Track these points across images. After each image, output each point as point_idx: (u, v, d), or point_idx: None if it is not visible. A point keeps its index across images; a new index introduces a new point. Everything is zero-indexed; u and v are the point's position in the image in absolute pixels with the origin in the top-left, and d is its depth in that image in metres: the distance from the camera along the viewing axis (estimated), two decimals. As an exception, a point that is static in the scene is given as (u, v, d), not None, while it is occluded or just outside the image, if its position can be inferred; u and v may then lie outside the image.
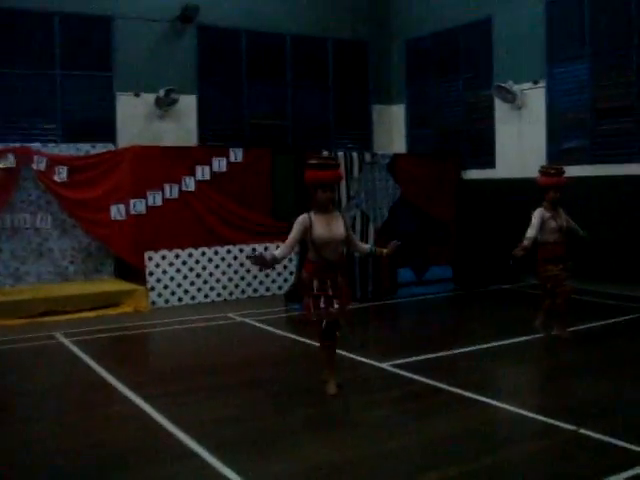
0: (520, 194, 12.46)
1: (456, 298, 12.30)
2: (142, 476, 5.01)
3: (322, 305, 6.51)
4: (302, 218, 6.49)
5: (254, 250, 6.24)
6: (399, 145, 16.96)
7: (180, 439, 5.59)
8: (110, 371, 7.70)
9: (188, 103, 14.65)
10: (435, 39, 16.02)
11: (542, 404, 6.70)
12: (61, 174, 11.90)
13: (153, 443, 5.61)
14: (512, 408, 6.24)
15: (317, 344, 6.96)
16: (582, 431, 5.58)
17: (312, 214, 6.51)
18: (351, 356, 7.84)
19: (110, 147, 12.91)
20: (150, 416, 6.20)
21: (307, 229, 6.42)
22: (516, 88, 13.89)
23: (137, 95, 14.16)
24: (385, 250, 6.93)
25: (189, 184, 12.04)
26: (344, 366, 7.23)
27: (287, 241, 6.49)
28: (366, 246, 7.22)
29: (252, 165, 12.59)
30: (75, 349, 8.84)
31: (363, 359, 7.93)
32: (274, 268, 6.42)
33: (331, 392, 6.65)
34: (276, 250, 6.56)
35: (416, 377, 7.25)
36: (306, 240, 6.56)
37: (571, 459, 5.20)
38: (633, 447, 5.23)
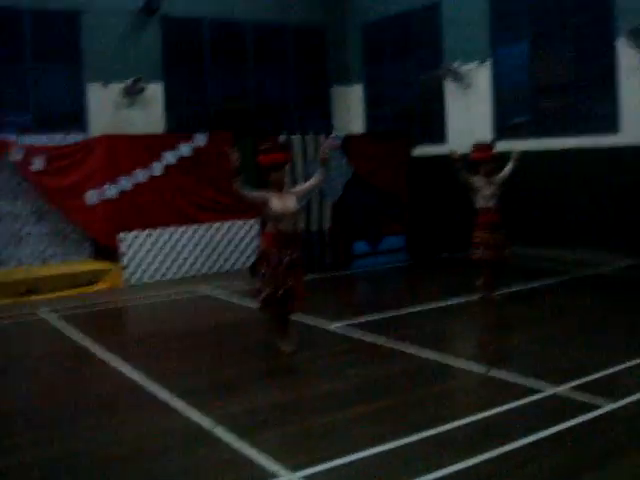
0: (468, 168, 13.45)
1: (408, 267, 13.32)
2: (118, 420, 5.99)
3: (279, 275, 7.45)
4: (263, 191, 7.47)
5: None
6: (358, 125, 17.86)
7: (152, 390, 6.60)
8: (91, 339, 8.65)
9: (155, 91, 15.48)
10: (388, 23, 16.90)
11: (462, 352, 7.81)
12: (38, 163, 12.69)
13: (129, 393, 6.66)
14: (437, 356, 7.28)
15: (268, 313, 7.85)
16: (491, 373, 6.62)
17: (269, 192, 7.46)
18: (301, 320, 8.75)
19: (82, 136, 13.72)
20: (126, 373, 7.20)
21: (265, 201, 7.36)
22: (464, 68, 14.84)
23: (105, 85, 14.94)
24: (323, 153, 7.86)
25: (157, 169, 12.91)
26: (295, 328, 8.14)
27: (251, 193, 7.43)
28: (316, 176, 7.94)
29: (215, 148, 13.42)
30: (59, 323, 9.76)
31: (313, 322, 8.89)
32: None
33: (288, 350, 7.59)
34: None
35: (359, 335, 8.28)
36: (264, 214, 7.51)
37: (475, 394, 6.29)
38: (529, 383, 6.27)
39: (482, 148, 9.79)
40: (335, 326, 8.74)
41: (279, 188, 7.50)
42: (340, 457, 4.89)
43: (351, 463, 4.83)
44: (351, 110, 18.19)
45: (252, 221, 13.26)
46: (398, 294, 11.54)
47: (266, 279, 7.51)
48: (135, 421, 5.95)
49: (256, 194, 7.49)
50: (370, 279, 12.67)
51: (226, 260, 13.33)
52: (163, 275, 12.78)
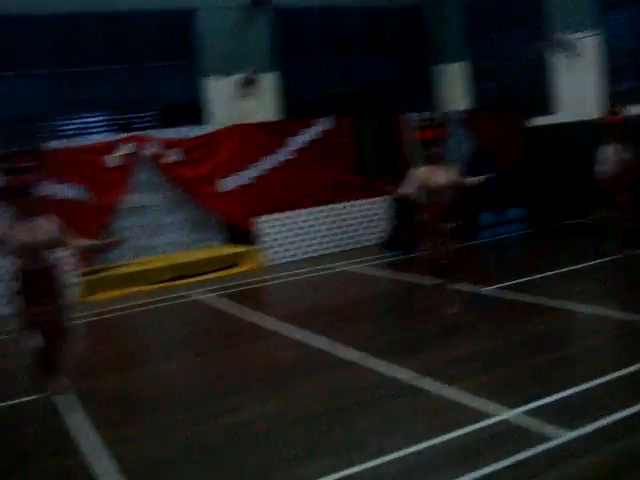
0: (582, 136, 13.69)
1: (533, 234, 13.63)
2: (315, 380, 6.53)
3: (438, 243, 7.91)
4: (416, 171, 7.91)
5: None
6: (460, 101, 18.07)
7: (338, 353, 7.16)
8: (255, 313, 9.26)
9: (268, 81, 16.05)
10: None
11: (616, 305, 8.10)
12: (173, 155, 13.37)
13: (318, 357, 7.23)
14: (592, 310, 7.73)
15: (428, 279, 8.35)
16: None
17: (422, 167, 7.91)
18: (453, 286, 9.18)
19: (206, 128, 14.35)
20: (306, 340, 7.79)
21: (419, 179, 7.82)
22: (572, 37, 14.96)
23: (222, 78, 15.57)
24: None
25: (287, 153, 13.57)
26: (454, 292, 8.58)
27: (407, 185, 7.92)
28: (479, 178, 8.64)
29: (338, 132, 13.99)
30: (216, 301, 10.43)
31: (464, 287, 9.26)
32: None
33: (453, 311, 8.06)
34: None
35: (511, 296, 8.75)
36: (420, 189, 7.92)
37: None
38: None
39: (614, 112, 10.04)
40: (486, 289, 9.14)
41: (436, 162, 7.93)
42: (547, 396, 5.35)
43: (561, 399, 5.29)
44: (453, 87, 18.43)
45: (379, 199, 13.77)
46: (533, 259, 11.84)
47: (429, 249, 7.97)
48: (333, 380, 6.46)
49: (412, 181, 7.93)
50: (501, 247, 13.04)
51: (358, 237, 13.91)
52: (299, 254, 13.40)
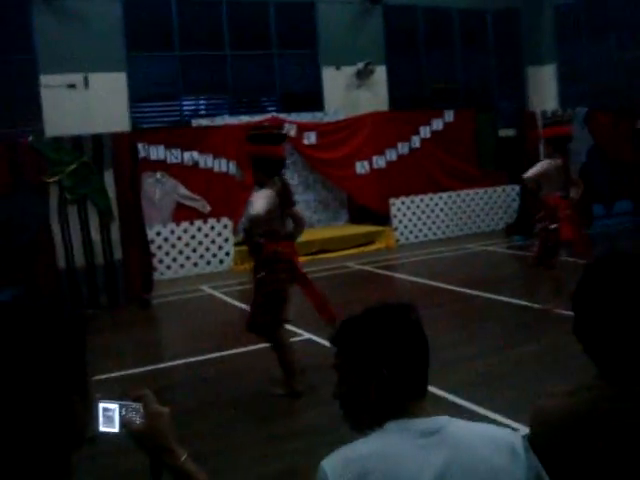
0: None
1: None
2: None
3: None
4: (541, 165, 8.30)
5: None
6: (551, 102, 19.05)
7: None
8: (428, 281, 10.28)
9: (379, 73, 17.03)
10: (584, 3, 18.02)
11: None
12: (310, 138, 14.38)
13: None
14: None
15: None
16: None
17: (549, 162, 8.22)
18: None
19: (338, 114, 15.33)
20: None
21: (545, 170, 8.18)
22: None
23: (338, 68, 16.56)
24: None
25: (416, 142, 14.62)
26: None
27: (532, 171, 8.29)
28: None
29: (460, 123, 15.04)
30: (377, 271, 11.45)
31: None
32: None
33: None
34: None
35: None
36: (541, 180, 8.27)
37: None
38: None
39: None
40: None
41: (560, 156, 8.12)
42: None
43: None
44: (544, 88, 19.40)
45: (499, 188, 14.86)
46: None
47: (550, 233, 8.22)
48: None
49: (540, 174, 8.20)
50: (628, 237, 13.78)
51: (482, 222, 15.02)
52: (425, 236, 14.47)
